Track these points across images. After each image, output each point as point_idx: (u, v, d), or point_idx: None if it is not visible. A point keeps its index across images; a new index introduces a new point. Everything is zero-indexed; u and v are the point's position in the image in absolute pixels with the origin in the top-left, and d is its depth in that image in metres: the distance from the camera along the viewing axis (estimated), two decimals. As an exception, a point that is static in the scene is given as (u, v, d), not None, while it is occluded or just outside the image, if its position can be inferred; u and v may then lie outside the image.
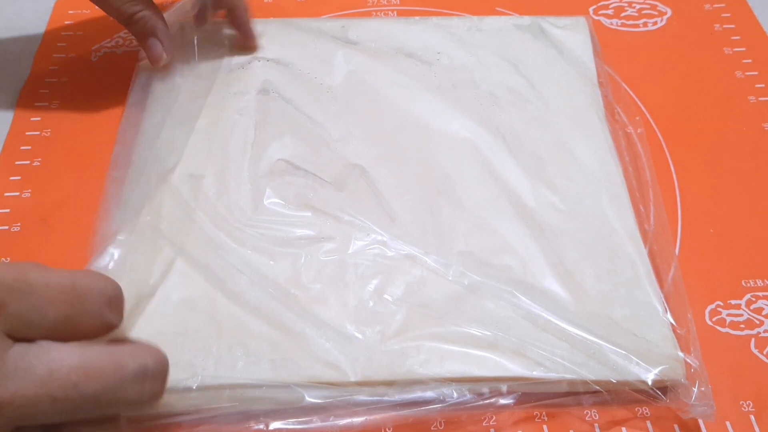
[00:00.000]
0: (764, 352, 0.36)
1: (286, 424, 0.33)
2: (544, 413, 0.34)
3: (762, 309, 0.38)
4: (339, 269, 0.36)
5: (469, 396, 0.33)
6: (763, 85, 0.48)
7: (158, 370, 0.28)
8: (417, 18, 0.49)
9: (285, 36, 0.47)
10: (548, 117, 0.43)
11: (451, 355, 0.33)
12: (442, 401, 0.33)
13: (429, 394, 0.33)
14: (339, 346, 0.33)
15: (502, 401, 0.33)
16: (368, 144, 0.41)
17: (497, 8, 0.52)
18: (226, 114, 0.42)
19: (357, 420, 0.33)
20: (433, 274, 0.36)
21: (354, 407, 0.33)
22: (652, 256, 0.38)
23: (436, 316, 0.34)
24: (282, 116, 0.42)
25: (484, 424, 0.34)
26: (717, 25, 0.52)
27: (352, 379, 0.33)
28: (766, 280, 0.39)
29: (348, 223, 0.38)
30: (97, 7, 0.42)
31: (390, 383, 0.33)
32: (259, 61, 0.45)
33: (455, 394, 0.33)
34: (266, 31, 0.47)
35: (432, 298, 0.35)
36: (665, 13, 0.53)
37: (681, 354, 0.34)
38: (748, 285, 0.39)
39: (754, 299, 0.38)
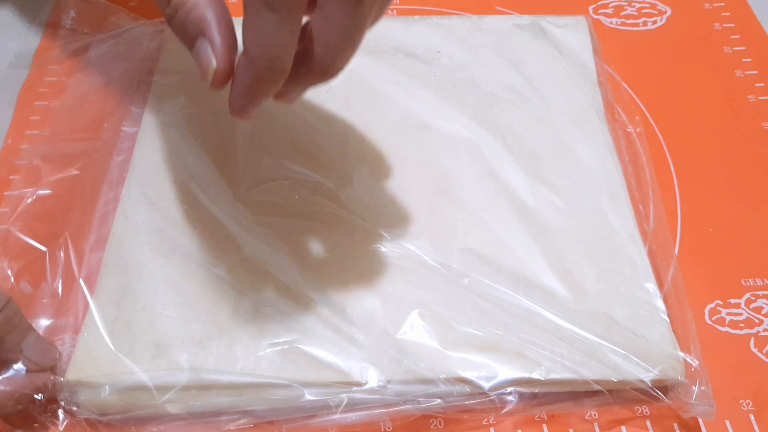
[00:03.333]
0: (764, 351, 0.36)
1: (285, 423, 0.33)
2: (543, 413, 0.34)
3: (761, 308, 0.38)
4: (338, 268, 0.36)
5: (469, 396, 0.33)
6: (762, 84, 0.48)
7: None
8: (417, 17, 0.49)
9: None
10: (548, 116, 0.43)
11: (450, 355, 0.33)
12: (442, 400, 0.33)
13: (429, 391, 0.33)
14: (338, 344, 0.33)
15: (502, 401, 0.33)
16: (368, 143, 0.41)
17: (497, 7, 0.52)
18: (224, 113, 0.42)
19: (356, 418, 0.33)
20: (433, 273, 0.36)
21: (353, 405, 0.33)
22: (652, 255, 0.38)
23: (435, 315, 0.34)
24: (281, 115, 0.42)
25: (483, 423, 0.34)
26: (717, 24, 0.52)
27: (352, 378, 0.33)
28: (765, 279, 0.39)
29: (347, 221, 0.38)
30: None
31: (389, 382, 0.33)
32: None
33: (455, 394, 0.33)
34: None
35: (431, 297, 0.35)
36: (665, 12, 0.53)
37: (681, 353, 0.34)
38: (748, 284, 0.39)
39: (753, 298, 0.38)
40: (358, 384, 0.33)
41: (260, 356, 0.33)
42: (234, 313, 0.34)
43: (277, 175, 0.39)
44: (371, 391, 0.33)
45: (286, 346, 0.33)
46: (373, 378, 0.33)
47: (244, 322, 0.34)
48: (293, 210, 0.38)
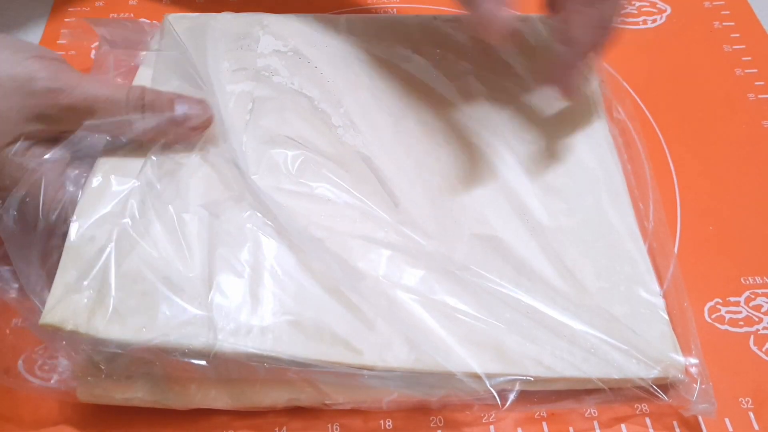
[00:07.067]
0: (763, 349, 0.36)
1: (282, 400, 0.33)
2: (544, 410, 0.34)
3: (761, 306, 0.38)
4: (340, 251, 0.36)
5: (469, 392, 0.33)
6: (762, 83, 0.48)
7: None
8: (417, 16, 0.49)
9: (285, 31, 0.46)
10: (548, 115, 0.43)
11: (452, 351, 0.33)
12: (442, 398, 0.33)
13: (430, 385, 0.33)
14: (340, 329, 0.33)
15: (503, 398, 0.33)
16: (368, 138, 0.41)
17: (497, 6, 0.52)
18: (221, 87, 0.41)
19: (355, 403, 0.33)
20: (433, 271, 0.36)
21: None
22: (652, 253, 0.38)
23: (435, 313, 0.34)
24: (282, 94, 0.42)
25: (483, 420, 0.34)
26: (716, 23, 0.52)
27: (364, 357, 0.32)
28: (765, 278, 0.39)
29: (351, 205, 0.37)
30: None
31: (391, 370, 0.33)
32: (258, 52, 0.45)
33: (456, 388, 0.33)
34: (266, 25, 0.47)
35: (431, 296, 0.35)
36: (665, 11, 0.53)
37: (681, 351, 0.34)
38: (747, 282, 0.39)
39: (753, 296, 0.38)
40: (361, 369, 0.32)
41: (266, 327, 0.33)
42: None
43: (278, 147, 0.39)
44: (376, 375, 0.32)
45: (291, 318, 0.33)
46: (376, 365, 0.32)
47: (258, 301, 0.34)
48: (292, 185, 0.38)
